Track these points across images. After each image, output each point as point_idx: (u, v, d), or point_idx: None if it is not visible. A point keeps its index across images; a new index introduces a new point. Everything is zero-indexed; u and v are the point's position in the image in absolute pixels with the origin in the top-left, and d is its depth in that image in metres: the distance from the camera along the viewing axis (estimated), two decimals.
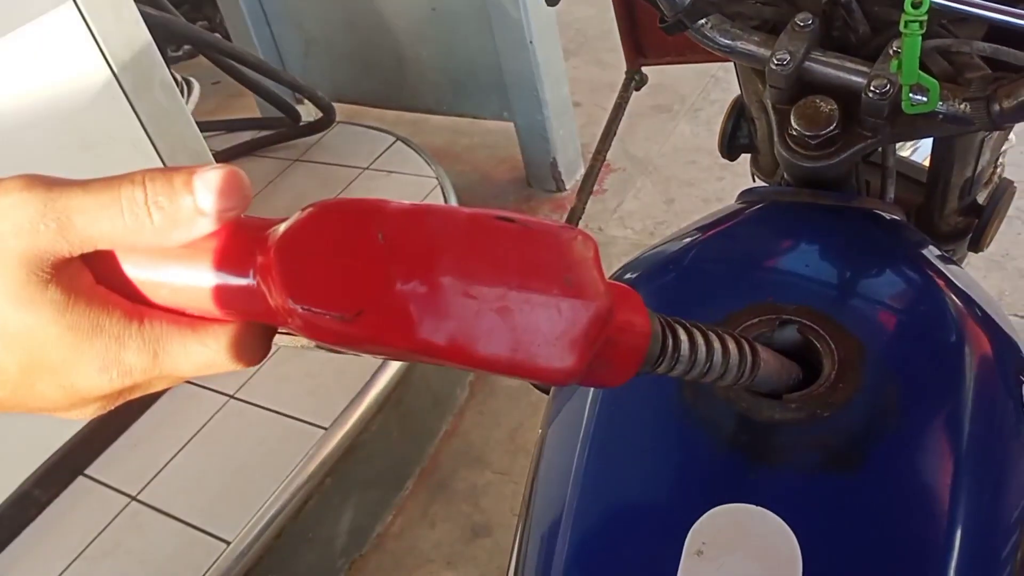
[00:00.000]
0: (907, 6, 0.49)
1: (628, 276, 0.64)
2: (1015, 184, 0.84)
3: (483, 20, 2.12)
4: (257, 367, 0.47)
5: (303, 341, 0.34)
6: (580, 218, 1.65)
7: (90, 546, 1.53)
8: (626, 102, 1.52)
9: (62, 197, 0.30)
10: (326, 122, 2.44)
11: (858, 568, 0.45)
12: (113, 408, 0.35)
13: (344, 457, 1.60)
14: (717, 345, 0.41)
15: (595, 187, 1.92)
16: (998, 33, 0.54)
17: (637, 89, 1.48)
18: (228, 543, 1.47)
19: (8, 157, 1.37)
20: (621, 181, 2.36)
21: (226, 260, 0.32)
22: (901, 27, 0.50)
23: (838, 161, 0.59)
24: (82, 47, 1.47)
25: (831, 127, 0.58)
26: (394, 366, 1.70)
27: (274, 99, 2.42)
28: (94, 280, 0.32)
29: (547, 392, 0.69)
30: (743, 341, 0.43)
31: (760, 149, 0.84)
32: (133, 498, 1.60)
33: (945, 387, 0.52)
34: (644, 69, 1.43)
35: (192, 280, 0.33)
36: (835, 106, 0.59)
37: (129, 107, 1.56)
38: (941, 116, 0.55)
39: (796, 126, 0.59)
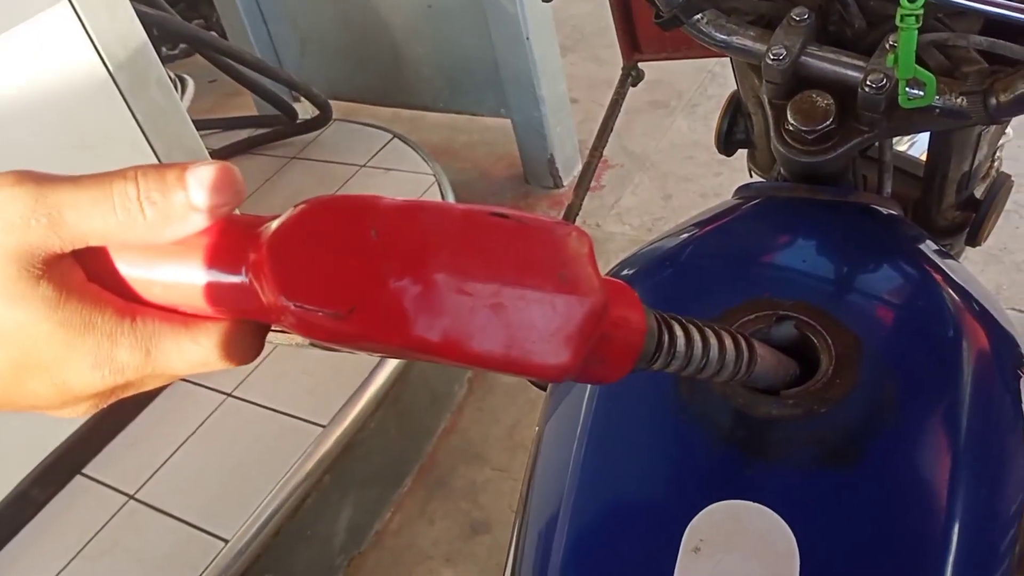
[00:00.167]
0: (903, 0, 0.49)
1: (625, 272, 0.64)
2: (1012, 178, 0.84)
3: (479, 16, 2.12)
4: (254, 365, 0.47)
5: (297, 339, 0.34)
6: (578, 214, 1.65)
7: (88, 545, 1.53)
8: (623, 98, 1.52)
9: (53, 192, 0.30)
10: (323, 120, 2.44)
11: (856, 564, 0.45)
12: (105, 406, 0.34)
13: (342, 455, 1.60)
14: (713, 341, 0.41)
15: (592, 183, 1.92)
16: (995, 27, 0.54)
17: (634, 85, 1.48)
18: (226, 541, 1.46)
19: (2, 156, 1.36)
20: (618, 177, 2.35)
21: (218, 257, 0.32)
22: (897, 21, 0.49)
23: (835, 156, 0.59)
24: (77, 46, 1.46)
25: (827, 122, 0.58)
26: (392, 363, 1.70)
27: (271, 97, 2.41)
28: (86, 277, 0.32)
29: (544, 389, 0.69)
30: (739, 337, 0.43)
31: (757, 144, 0.83)
32: (131, 497, 1.60)
33: (942, 382, 0.51)
34: (641, 65, 1.43)
35: (184, 277, 0.32)
36: (831, 101, 0.58)
37: (125, 106, 1.55)
38: (938, 110, 0.55)
39: (792, 121, 0.59)
